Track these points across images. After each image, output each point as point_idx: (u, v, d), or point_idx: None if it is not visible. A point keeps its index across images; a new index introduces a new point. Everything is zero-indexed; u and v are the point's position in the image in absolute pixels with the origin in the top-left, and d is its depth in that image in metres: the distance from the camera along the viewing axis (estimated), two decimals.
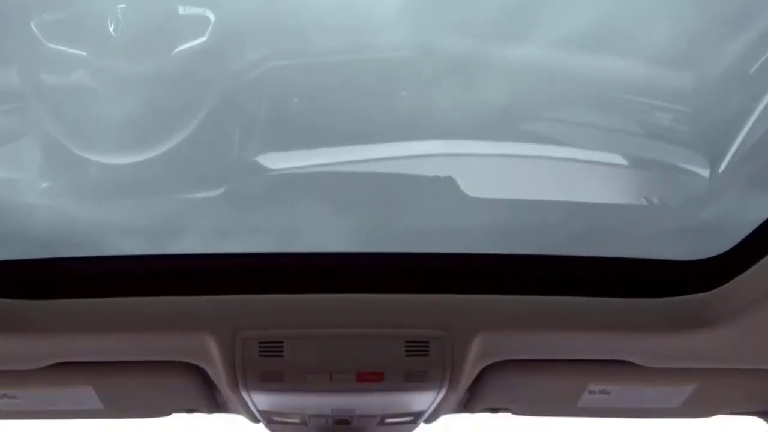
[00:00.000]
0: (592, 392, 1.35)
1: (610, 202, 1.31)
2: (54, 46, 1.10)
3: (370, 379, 1.19)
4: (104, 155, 1.20)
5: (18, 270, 1.19)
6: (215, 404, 1.45)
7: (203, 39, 1.09)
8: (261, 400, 1.28)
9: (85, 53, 1.11)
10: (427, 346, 1.17)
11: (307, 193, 1.25)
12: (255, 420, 1.47)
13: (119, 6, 1.05)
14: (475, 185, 1.25)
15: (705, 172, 1.26)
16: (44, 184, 1.26)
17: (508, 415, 1.49)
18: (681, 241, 1.27)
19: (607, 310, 1.17)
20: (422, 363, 1.18)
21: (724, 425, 1.97)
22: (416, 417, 1.41)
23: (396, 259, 1.19)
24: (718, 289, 1.17)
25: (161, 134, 1.17)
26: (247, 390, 1.22)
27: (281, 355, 1.17)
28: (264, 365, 1.18)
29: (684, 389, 1.35)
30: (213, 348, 1.18)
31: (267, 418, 1.42)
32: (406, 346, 1.17)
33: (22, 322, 1.17)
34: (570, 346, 1.21)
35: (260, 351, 1.17)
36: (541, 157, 1.27)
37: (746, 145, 1.18)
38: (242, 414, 1.46)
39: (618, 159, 1.30)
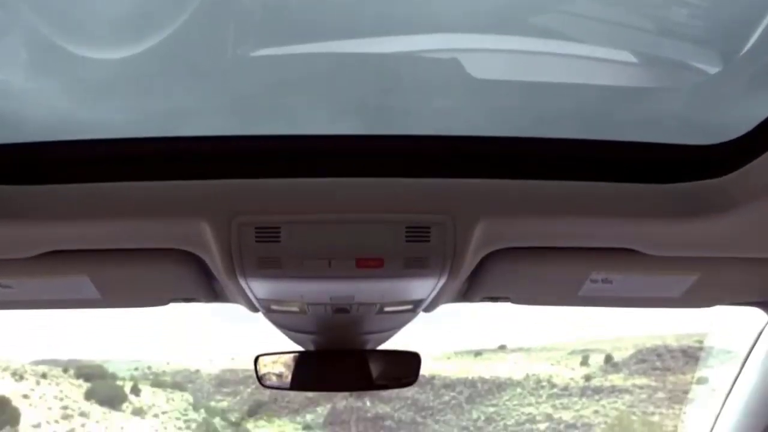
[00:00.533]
0: (594, 281, 1.34)
1: (621, 85, 1.26)
2: None
3: (370, 265, 1.16)
4: (93, 49, 1.12)
5: (7, 155, 1.14)
6: (213, 293, 1.44)
7: None
8: (259, 287, 1.26)
9: None
10: (428, 232, 1.13)
11: (304, 78, 1.19)
12: (254, 309, 1.46)
13: None
14: (479, 71, 1.18)
15: (719, 64, 1.20)
16: (32, 83, 1.18)
17: (508, 304, 1.49)
18: (692, 129, 1.22)
19: (614, 195, 1.13)
20: (423, 249, 1.14)
21: (723, 315, 2.00)
22: (415, 305, 1.40)
23: (397, 142, 1.13)
24: (729, 174, 1.12)
25: (152, 27, 1.08)
26: (245, 277, 1.19)
27: (278, 241, 1.13)
28: (261, 251, 1.14)
29: (687, 278, 1.34)
30: (208, 234, 1.14)
31: (266, 306, 1.41)
32: (407, 232, 1.13)
33: (13, 209, 1.13)
34: (574, 233, 1.18)
35: (257, 237, 1.13)
36: (548, 53, 1.21)
37: (765, 38, 1.11)
38: (241, 303, 1.45)
39: (630, 53, 1.23)
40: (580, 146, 1.16)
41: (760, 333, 1.81)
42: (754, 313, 1.67)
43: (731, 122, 1.14)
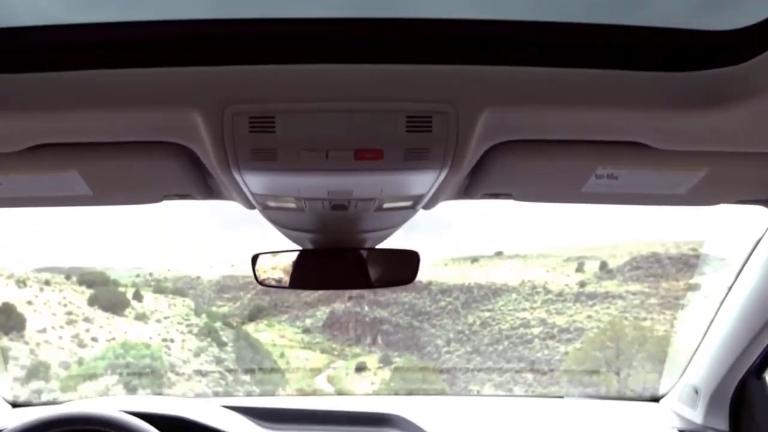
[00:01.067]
0: (599, 176, 1.30)
1: None
2: None
3: (369, 157, 1.12)
4: None
5: None
6: (208, 189, 1.41)
7: None
8: (254, 181, 1.22)
9: None
10: (430, 122, 1.08)
11: None
12: (250, 206, 1.43)
13: None
14: None
15: None
16: None
17: (510, 201, 1.46)
18: (707, 14, 1.15)
19: (624, 83, 1.07)
20: (424, 139, 1.09)
21: (721, 223, 1.98)
22: (415, 202, 1.37)
23: (398, 26, 1.06)
24: (745, 62, 1.05)
25: None
26: (239, 170, 1.15)
27: (273, 131, 1.08)
28: (255, 142, 1.10)
29: (694, 174, 1.30)
30: (200, 125, 1.09)
31: (262, 203, 1.38)
32: (408, 121, 1.08)
33: None
34: (582, 125, 1.13)
35: (250, 127, 1.08)
36: None
37: None
38: (236, 200, 1.42)
39: None
40: (589, 31, 1.09)
41: (765, 232, 1.79)
42: (759, 212, 1.65)
43: (748, 8, 1.08)
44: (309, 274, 1.69)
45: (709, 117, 1.10)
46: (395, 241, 1.75)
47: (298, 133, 1.09)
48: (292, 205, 1.38)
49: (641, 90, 1.07)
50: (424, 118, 1.08)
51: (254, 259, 1.68)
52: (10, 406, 2.48)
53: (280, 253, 1.69)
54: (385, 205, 1.38)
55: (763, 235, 1.80)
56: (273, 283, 1.70)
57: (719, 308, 2.08)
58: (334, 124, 1.08)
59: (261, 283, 1.70)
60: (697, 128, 1.13)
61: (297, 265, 1.68)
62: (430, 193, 1.30)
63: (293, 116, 1.08)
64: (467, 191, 1.41)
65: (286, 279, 1.69)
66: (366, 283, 1.70)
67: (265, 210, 1.45)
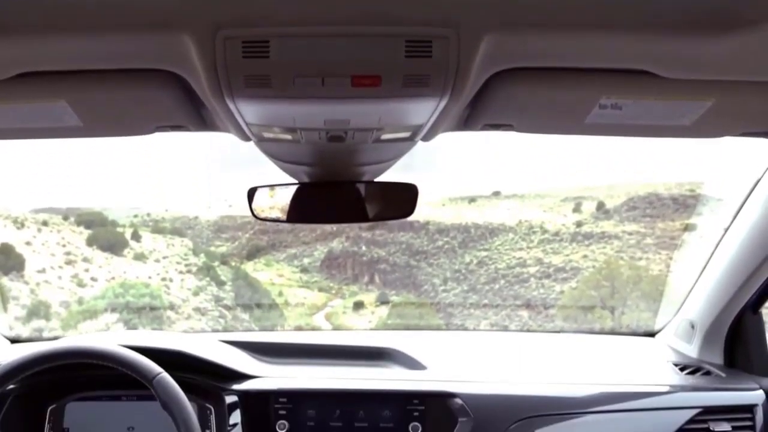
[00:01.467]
0: (603, 106, 1.27)
1: None
2: None
3: (366, 83, 1.08)
4: None
5: None
6: (201, 120, 1.38)
7: None
8: (248, 110, 1.19)
9: None
10: (430, 47, 1.04)
11: None
12: (245, 137, 1.40)
13: None
14: None
15: None
16: None
17: (510, 133, 1.43)
18: None
19: (632, 6, 1.02)
20: (423, 65, 1.06)
21: (725, 152, 1.96)
22: (414, 133, 1.34)
23: None
24: None
25: None
26: (232, 98, 1.12)
27: (267, 56, 1.04)
28: (249, 68, 1.06)
29: (700, 104, 1.27)
30: (191, 50, 1.05)
31: (257, 134, 1.35)
32: (407, 46, 1.04)
33: None
34: (586, 50, 1.09)
35: (244, 52, 1.04)
36: None
37: None
38: (231, 131, 1.39)
39: None
40: None
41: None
42: (762, 145, 1.62)
43: None
44: (306, 207, 1.67)
45: (717, 42, 1.06)
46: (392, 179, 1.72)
47: (293, 58, 1.05)
48: (288, 137, 1.34)
49: (647, 13, 1.03)
50: (423, 43, 1.04)
51: (251, 193, 1.66)
52: (8, 342, 2.50)
53: (277, 187, 1.66)
54: (384, 136, 1.35)
55: (766, 170, 1.78)
56: (270, 216, 1.68)
57: (718, 244, 2.08)
58: (330, 49, 1.04)
59: (257, 216, 1.68)
60: (705, 54, 1.09)
61: (294, 198, 1.66)
62: (429, 123, 1.27)
63: (288, 40, 1.04)
64: (467, 122, 1.38)
65: (283, 213, 1.67)
66: (363, 217, 1.68)
67: (261, 142, 1.42)
